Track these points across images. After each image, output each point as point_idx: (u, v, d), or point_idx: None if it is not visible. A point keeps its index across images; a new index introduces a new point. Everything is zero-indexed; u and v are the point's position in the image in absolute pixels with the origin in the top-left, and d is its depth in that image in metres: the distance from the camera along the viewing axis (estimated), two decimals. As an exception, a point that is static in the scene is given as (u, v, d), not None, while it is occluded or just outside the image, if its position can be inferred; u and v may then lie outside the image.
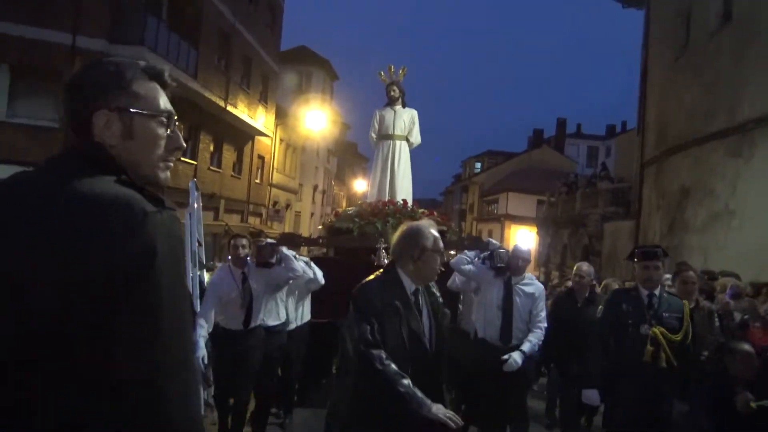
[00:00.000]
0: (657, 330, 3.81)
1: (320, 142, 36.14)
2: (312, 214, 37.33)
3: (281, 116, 26.74)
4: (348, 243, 6.88)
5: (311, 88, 34.87)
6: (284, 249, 4.94)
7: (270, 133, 25.40)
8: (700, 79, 11.14)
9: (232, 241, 4.90)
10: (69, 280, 0.97)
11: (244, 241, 4.88)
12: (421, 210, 7.17)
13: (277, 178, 28.16)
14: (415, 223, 2.84)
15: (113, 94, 1.16)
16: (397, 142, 7.40)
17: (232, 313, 4.71)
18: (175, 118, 1.25)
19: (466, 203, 50.32)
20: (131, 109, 1.17)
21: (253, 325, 4.75)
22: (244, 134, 22.85)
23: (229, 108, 19.57)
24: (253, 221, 23.77)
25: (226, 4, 18.90)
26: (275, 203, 28.32)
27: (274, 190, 27.88)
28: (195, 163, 18.14)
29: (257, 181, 25.22)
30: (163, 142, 1.22)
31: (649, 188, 14.25)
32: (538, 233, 27.32)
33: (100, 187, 1.05)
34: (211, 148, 19.99)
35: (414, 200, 7.46)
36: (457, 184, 56.09)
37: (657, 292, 3.94)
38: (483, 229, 44.07)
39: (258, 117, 23.19)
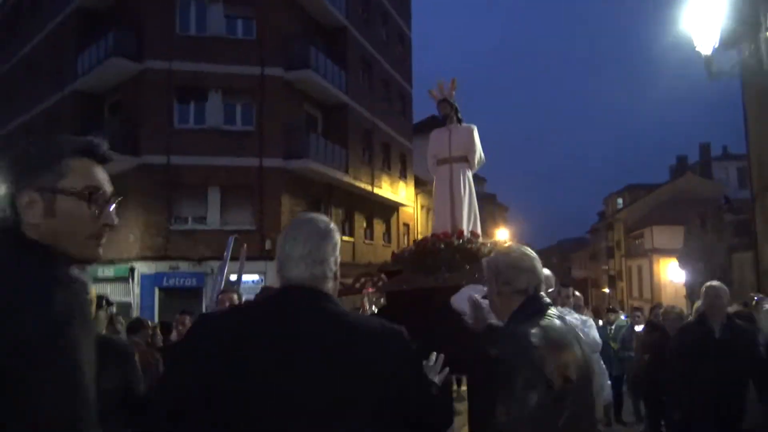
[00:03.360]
0: None
1: (458, 202, 39.08)
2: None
3: (420, 185, 30.28)
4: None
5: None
6: None
7: (411, 203, 28.97)
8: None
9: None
10: None
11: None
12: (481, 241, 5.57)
13: (421, 240, 31.49)
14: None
15: (40, 174, 1.17)
16: (455, 165, 6.14)
17: None
18: (106, 192, 1.24)
19: (612, 240, 49.85)
20: (55, 188, 1.17)
21: None
22: (390, 208, 26.60)
23: (375, 190, 23.47)
24: (405, 281, 27.09)
25: (364, 106, 22.99)
26: (422, 263, 31.57)
27: (420, 252, 31.18)
28: (352, 239, 21.96)
29: (404, 246, 28.72)
30: (87, 220, 1.20)
31: (763, 219, 15.12)
32: (680, 266, 27.48)
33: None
34: (364, 225, 23.85)
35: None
36: (602, 222, 55.66)
37: None
38: (632, 266, 43.61)
39: (399, 191, 26.91)
